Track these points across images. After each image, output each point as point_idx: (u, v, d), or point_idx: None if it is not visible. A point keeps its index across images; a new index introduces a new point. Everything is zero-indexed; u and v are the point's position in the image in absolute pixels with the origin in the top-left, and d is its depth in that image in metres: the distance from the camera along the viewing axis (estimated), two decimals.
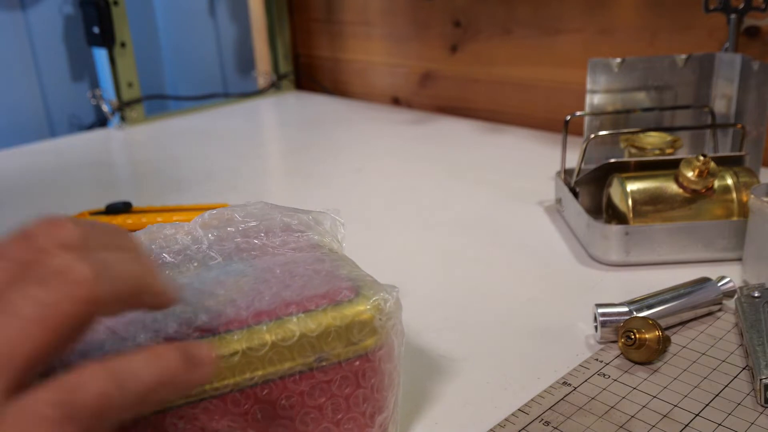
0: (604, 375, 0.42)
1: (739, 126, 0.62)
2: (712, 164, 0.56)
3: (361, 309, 0.32)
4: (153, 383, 0.25)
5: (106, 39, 1.08)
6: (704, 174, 0.56)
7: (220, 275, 0.35)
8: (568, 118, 0.67)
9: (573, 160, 0.65)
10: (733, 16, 0.69)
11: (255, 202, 0.40)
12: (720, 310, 0.48)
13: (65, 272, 0.23)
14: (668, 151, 0.65)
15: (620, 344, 0.43)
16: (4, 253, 0.24)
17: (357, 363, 0.32)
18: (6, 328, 0.22)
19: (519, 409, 0.39)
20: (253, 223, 0.39)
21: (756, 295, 0.46)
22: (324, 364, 0.32)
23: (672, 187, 0.57)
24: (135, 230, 0.38)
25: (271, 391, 0.31)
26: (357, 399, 0.33)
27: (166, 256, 0.36)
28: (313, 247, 0.37)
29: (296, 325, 0.31)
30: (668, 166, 0.59)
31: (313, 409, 0.32)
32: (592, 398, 0.40)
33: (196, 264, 0.36)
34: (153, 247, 0.37)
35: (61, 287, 0.23)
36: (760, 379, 0.39)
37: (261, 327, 0.31)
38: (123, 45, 1.10)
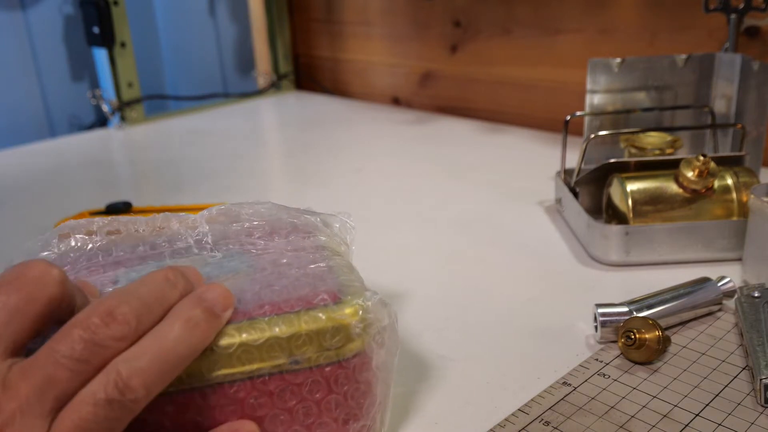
0: (604, 375, 0.42)
1: (739, 126, 0.62)
2: (712, 164, 0.56)
3: (336, 315, 0.32)
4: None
5: (106, 39, 1.08)
6: (704, 174, 0.56)
7: (212, 271, 0.35)
8: (568, 118, 0.67)
9: (573, 160, 0.65)
10: (733, 16, 0.69)
11: (263, 201, 0.40)
12: (720, 310, 0.48)
13: (119, 384, 0.26)
14: (668, 151, 0.65)
15: (620, 344, 0.43)
16: (63, 348, 0.26)
17: (328, 369, 0.32)
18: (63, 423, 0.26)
19: (519, 409, 0.39)
20: (259, 222, 0.39)
21: (756, 295, 0.46)
22: (295, 367, 0.31)
23: (672, 187, 0.57)
24: None
25: (239, 390, 0.31)
26: (329, 404, 0.33)
27: (165, 254, 0.37)
28: (317, 250, 0.37)
29: (266, 326, 0.31)
30: (668, 166, 0.59)
31: (283, 411, 0.32)
32: (592, 398, 0.40)
33: (192, 258, 0.36)
34: (158, 242, 0.37)
35: (116, 403, 0.26)
36: (760, 379, 0.39)
37: (232, 325, 0.31)
38: (123, 45, 1.10)
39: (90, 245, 0.37)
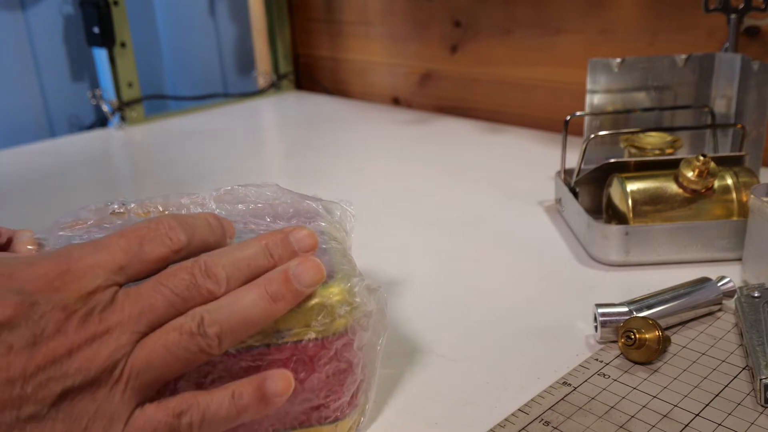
0: (604, 375, 0.42)
1: (739, 126, 0.62)
2: (712, 164, 0.56)
3: (322, 294, 0.33)
4: (228, 418, 0.31)
5: (106, 39, 1.08)
6: (704, 174, 0.56)
7: None
8: (568, 118, 0.67)
9: (573, 160, 0.65)
10: (733, 16, 0.69)
11: (270, 184, 0.41)
12: (720, 310, 0.48)
13: (201, 326, 0.30)
14: (668, 151, 0.65)
15: (620, 344, 0.43)
16: (169, 283, 0.31)
17: (311, 345, 0.33)
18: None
19: (519, 409, 0.39)
20: (264, 205, 0.40)
21: (756, 295, 0.46)
22: (279, 342, 0.33)
23: (672, 187, 0.57)
24: None
25: (225, 361, 0.32)
26: (312, 381, 0.34)
27: None
28: (317, 234, 0.38)
29: None
30: (668, 166, 0.59)
31: None
32: (592, 398, 0.40)
33: None
34: (166, 212, 0.39)
35: (196, 338, 0.31)
36: (760, 379, 0.39)
37: None
38: (123, 45, 1.10)
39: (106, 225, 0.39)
